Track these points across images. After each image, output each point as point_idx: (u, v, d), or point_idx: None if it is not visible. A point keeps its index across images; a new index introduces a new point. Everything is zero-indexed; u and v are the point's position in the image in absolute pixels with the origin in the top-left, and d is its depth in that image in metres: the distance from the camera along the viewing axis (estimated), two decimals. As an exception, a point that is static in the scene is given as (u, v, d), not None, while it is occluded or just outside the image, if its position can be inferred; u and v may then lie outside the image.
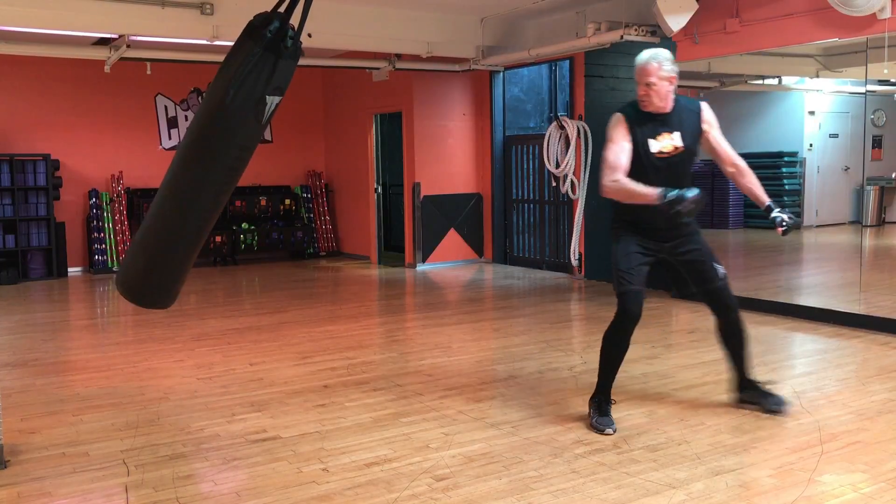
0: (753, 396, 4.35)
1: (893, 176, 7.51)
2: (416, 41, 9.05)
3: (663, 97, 3.98)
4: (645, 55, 4.00)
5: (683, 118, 4.07)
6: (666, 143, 4.01)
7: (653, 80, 3.94)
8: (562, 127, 9.18)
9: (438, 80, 10.53)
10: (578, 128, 9.03)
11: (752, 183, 4.23)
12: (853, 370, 5.19)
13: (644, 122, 4.01)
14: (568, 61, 9.45)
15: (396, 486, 3.39)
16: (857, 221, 7.76)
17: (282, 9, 4.27)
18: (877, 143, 7.27)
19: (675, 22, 7.19)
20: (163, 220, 4.52)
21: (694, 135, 4.08)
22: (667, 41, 7.67)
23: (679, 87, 7.71)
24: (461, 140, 10.82)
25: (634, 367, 5.28)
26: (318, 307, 7.90)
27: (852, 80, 7.60)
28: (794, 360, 5.69)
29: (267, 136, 11.97)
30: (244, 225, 11.45)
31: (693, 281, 4.25)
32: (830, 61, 7.43)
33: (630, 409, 4.39)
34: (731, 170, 4.23)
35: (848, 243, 7.89)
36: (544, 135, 9.48)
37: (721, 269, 4.20)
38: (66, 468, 3.63)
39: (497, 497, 3.27)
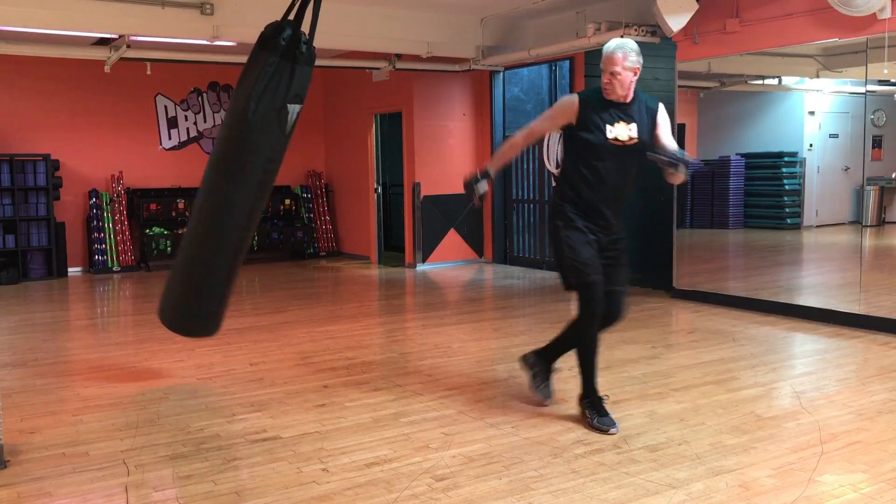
0: (542, 373, 4.50)
1: (893, 176, 7.50)
2: (416, 41, 9.06)
3: (626, 87, 4.04)
4: (612, 44, 4.07)
5: (642, 112, 4.12)
6: (622, 131, 4.06)
7: (617, 69, 4.00)
8: (562, 127, 9.18)
9: (438, 80, 10.53)
10: (578, 128, 9.02)
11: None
12: (853, 370, 5.19)
13: (604, 109, 4.07)
14: (568, 61, 9.45)
15: (396, 486, 3.39)
16: (857, 221, 7.75)
17: (291, 16, 4.28)
18: (877, 143, 7.26)
19: (675, 22, 7.19)
20: (198, 245, 4.49)
21: (648, 130, 4.13)
22: (667, 41, 7.68)
23: (679, 86, 7.71)
24: (461, 140, 10.82)
25: (634, 367, 5.28)
26: (318, 307, 7.90)
27: (852, 80, 7.59)
28: (794, 360, 5.69)
29: (267, 136, 11.94)
30: (244, 225, 11.44)
31: (605, 277, 4.19)
32: (830, 61, 7.42)
33: (630, 409, 4.40)
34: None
35: (848, 243, 7.87)
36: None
37: (626, 279, 4.32)
38: (66, 468, 3.63)
39: (497, 497, 3.27)
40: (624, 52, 4.00)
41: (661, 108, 4.21)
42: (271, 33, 4.24)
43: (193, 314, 4.74)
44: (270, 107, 4.20)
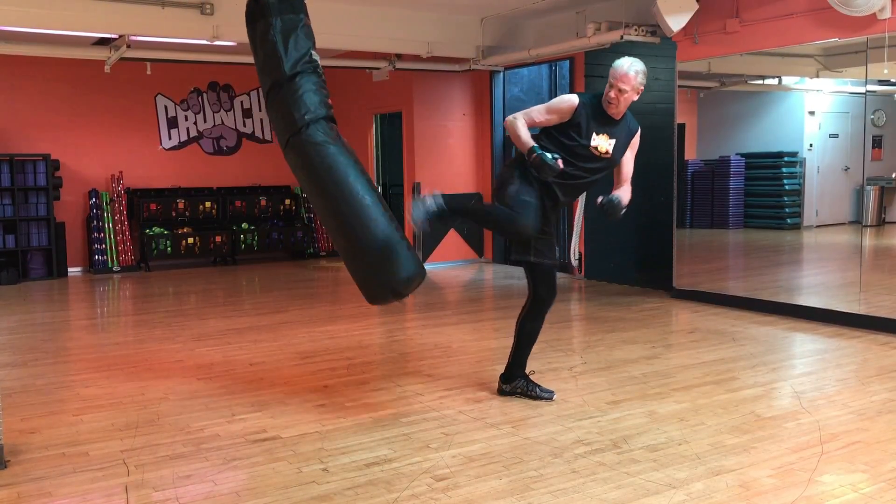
0: (526, 384, 4.60)
1: (893, 176, 7.50)
2: (416, 41, 9.05)
3: (626, 105, 4.24)
4: (627, 63, 4.19)
5: (623, 132, 4.31)
6: (602, 143, 4.24)
7: (627, 88, 4.16)
8: (562, 127, 9.17)
9: (438, 80, 10.53)
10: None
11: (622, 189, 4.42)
12: (853, 370, 5.19)
13: (596, 118, 4.23)
14: (568, 61, 9.45)
15: (396, 486, 3.39)
16: (857, 221, 7.76)
17: None
18: (877, 143, 7.26)
19: (675, 22, 7.19)
20: (341, 223, 4.35)
21: (623, 150, 4.34)
22: (667, 41, 7.67)
23: (679, 86, 7.73)
24: (461, 140, 10.82)
25: (634, 367, 5.28)
26: (318, 307, 7.90)
27: (852, 80, 7.59)
28: (794, 360, 5.69)
29: (267, 136, 11.97)
30: (244, 225, 11.45)
31: (536, 251, 4.42)
32: (830, 61, 7.42)
33: (630, 409, 4.40)
34: (596, 200, 4.40)
35: (848, 243, 7.88)
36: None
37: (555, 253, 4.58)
38: (66, 468, 3.63)
39: (497, 497, 3.27)
40: (636, 72, 4.15)
41: (639, 132, 4.41)
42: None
43: (395, 273, 4.33)
44: (308, 60, 4.27)
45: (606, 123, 4.24)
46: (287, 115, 4.35)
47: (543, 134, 4.33)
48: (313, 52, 4.39)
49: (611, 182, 4.50)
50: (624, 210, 4.27)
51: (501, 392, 4.64)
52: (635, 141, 4.40)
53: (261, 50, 4.37)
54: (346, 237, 4.37)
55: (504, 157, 10.63)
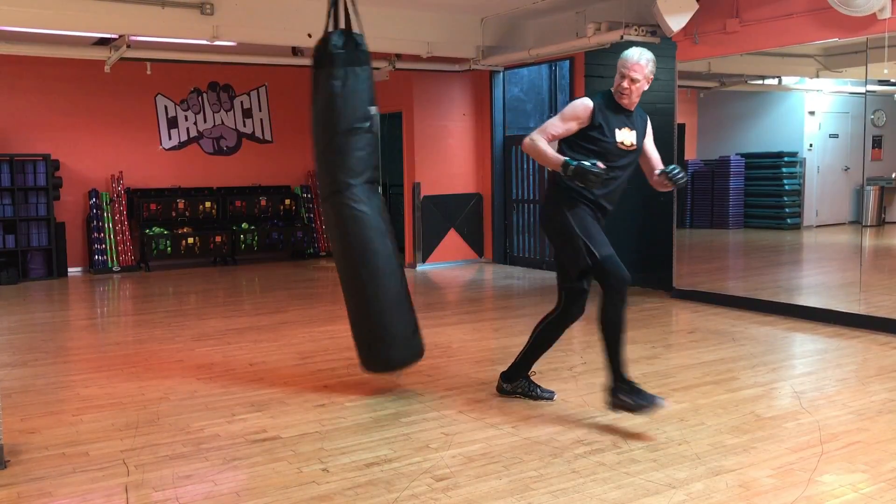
0: (527, 385, 4.58)
1: (893, 176, 7.50)
2: (416, 41, 9.05)
3: (638, 96, 4.21)
4: (636, 52, 4.18)
5: (639, 120, 4.31)
6: (627, 136, 4.21)
7: (638, 76, 4.14)
8: (562, 127, 9.17)
9: (438, 80, 10.53)
10: (578, 128, 9.01)
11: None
12: (853, 370, 5.19)
13: (614, 114, 4.20)
14: (568, 61, 9.45)
15: (396, 486, 3.39)
16: (857, 221, 7.75)
17: (332, 27, 4.36)
18: (877, 143, 7.25)
19: (675, 22, 7.19)
20: (352, 278, 4.47)
21: (643, 138, 4.33)
22: (667, 41, 7.67)
23: (679, 86, 7.72)
24: (461, 140, 10.82)
25: (634, 367, 5.27)
26: (318, 307, 7.90)
27: (852, 80, 7.58)
28: (794, 360, 5.69)
29: (267, 136, 11.97)
30: (244, 225, 11.45)
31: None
32: (830, 61, 7.42)
33: (630, 409, 4.39)
34: (656, 173, 4.36)
35: (848, 243, 7.87)
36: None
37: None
38: (66, 468, 3.63)
39: (497, 497, 3.27)
40: (647, 60, 4.15)
41: (649, 118, 4.42)
42: (327, 47, 4.32)
43: (391, 353, 4.64)
44: (358, 116, 4.32)
45: (624, 117, 4.21)
46: (331, 172, 4.48)
47: (565, 146, 4.22)
48: (371, 109, 4.45)
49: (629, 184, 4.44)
50: (686, 178, 4.23)
51: (501, 390, 4.63)
52: (649, 128, 4.39)
53: (320, 98, 4.44)
54: (356, 304, 4.57)
55: (504, 159, 10.63)
